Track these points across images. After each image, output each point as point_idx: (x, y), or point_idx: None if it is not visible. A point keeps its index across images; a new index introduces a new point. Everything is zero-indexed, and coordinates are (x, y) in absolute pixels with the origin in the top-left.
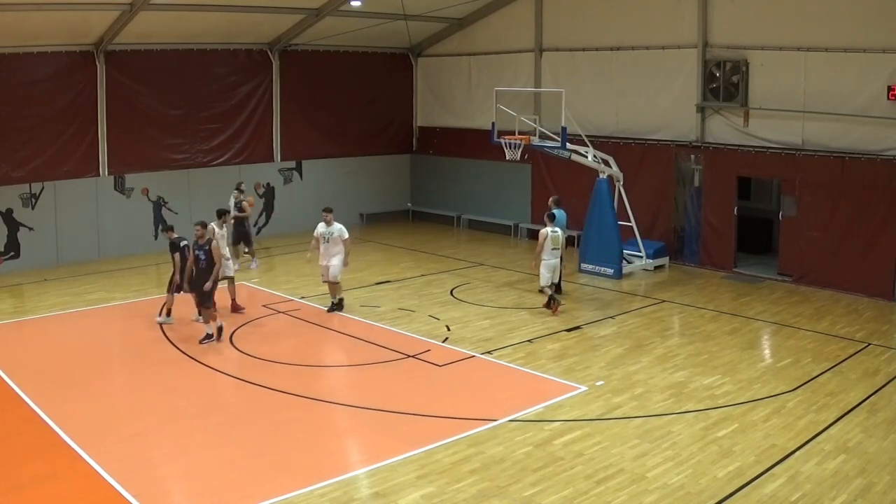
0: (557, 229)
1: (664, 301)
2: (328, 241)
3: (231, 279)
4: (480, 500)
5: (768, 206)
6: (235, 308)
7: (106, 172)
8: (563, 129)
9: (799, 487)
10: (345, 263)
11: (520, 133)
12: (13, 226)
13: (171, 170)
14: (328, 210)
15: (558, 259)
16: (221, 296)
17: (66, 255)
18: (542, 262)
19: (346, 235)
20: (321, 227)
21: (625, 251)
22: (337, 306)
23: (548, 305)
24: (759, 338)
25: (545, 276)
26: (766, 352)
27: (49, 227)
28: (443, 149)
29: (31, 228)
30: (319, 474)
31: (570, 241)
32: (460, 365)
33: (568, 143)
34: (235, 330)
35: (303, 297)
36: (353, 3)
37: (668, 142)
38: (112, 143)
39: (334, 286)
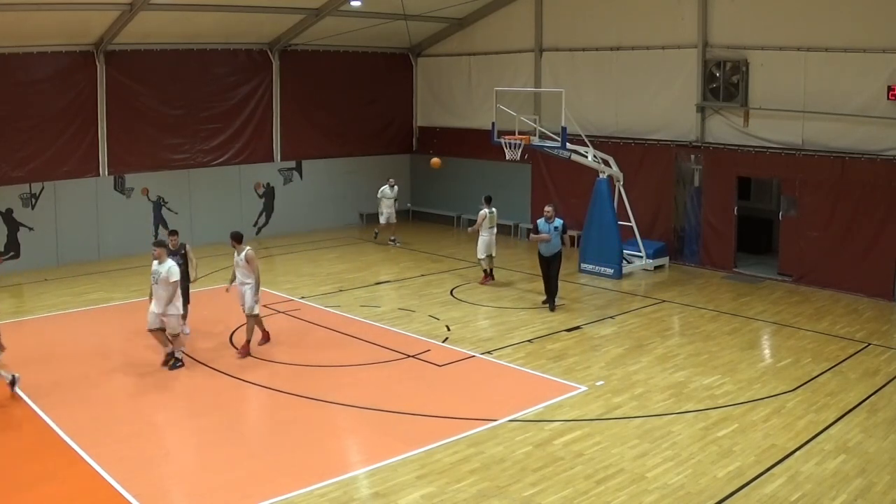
0: (493, 209)
1: (664, 301)
2: (157, 283)
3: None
4: (480, 500)
5: (768, 206)
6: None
7: (106, 172)
8: (563, 129)
9: (799, 487)
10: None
11: (520, 133)
12: (13, 226)
13: (171, 170)
14: (173, 233)
15: (493, 235)
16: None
17: (65, 255)
18: (480, 237)
19: (176, 277)
20: (154, 265)
21: (625, 251)
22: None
23: (486, 278)
24: (759, 338)
25: (481, 249)
26: (766, 352)
27: (49, 227)
28: (443, 149)
29: (31, 228)
30: (319, 474)
31: (570, 242)
32: (460, 365)
33: (568, 143)
34: (235, 330)
35: (303, 297)
36: (353, 3)
37: (668, 142)
38: (112, 143)
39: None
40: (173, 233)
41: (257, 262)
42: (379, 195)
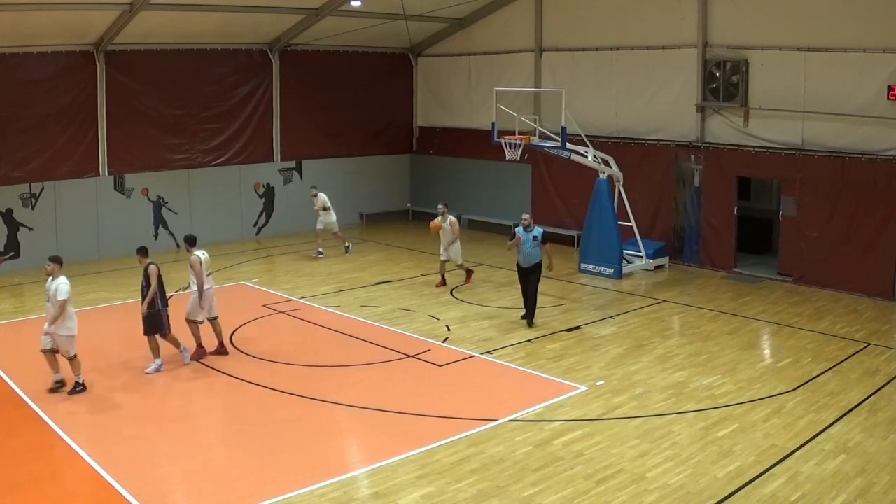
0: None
1: (664, 301)
2: (48, 300)
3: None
4: (480, 500)
5: (768, 206)
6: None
7: (106, 172)
8: (563, 128)
9: (799, 487)
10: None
11: (520, 133)
12: (13, 226)
13: (171, 170)
14: (54, 261)
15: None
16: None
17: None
18: (456, 243)
19: (64, 296)
20: (48, 281)
21: (625, 251)
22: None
23: (469, 276)
24: (758, 338)
25: (460, 254)
26: (766, 352)
27: (49, 227)
28: (443, 149)
29: (31, 228)
30: (319, 474)
31: (570, 242)
32: (460, 365)
33: (568, 143)
34: (235, 330)
35: (303, 297)
36: (353, 3)
37: (668, 142)
38: (112, 143)
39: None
40: (54, 259)
41: (200, 268)
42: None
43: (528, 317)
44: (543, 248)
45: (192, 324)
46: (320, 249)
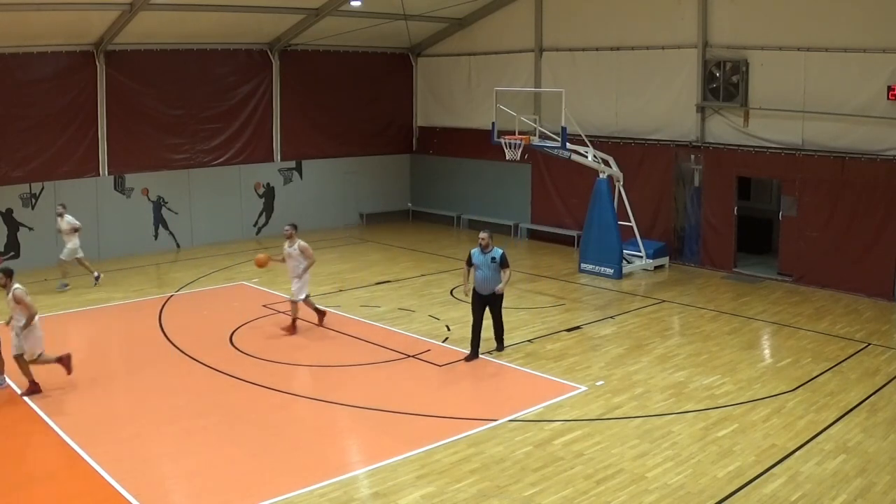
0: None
1: (664, 301)
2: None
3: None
4: (480, 500)
5: (768, 206)
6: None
7: (106, 172)
8: (563, 128)
9: (799, 487)
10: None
11: (520, 133)
12: (13, 226)
13: (171, 170)
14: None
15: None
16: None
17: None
18: (305, 276)
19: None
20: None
21: (625, 251)
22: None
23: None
24: (758, 338)
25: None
26: (766, 352)
27: (49, 227)
28: (443, 149)
29: (31, 228)
30: (319, 474)
31: (570, 242)
32: (460, 365)
33: (568, 143)
34: (235, 330)
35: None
36: (353, 3)
37: (668, 142)
38: (112, 143)
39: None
40: (4, 271)
41: (30, 300)
42: None
43: (498, 345)
44: (503, 273)
45: (22, 361)
46: (65, 282)
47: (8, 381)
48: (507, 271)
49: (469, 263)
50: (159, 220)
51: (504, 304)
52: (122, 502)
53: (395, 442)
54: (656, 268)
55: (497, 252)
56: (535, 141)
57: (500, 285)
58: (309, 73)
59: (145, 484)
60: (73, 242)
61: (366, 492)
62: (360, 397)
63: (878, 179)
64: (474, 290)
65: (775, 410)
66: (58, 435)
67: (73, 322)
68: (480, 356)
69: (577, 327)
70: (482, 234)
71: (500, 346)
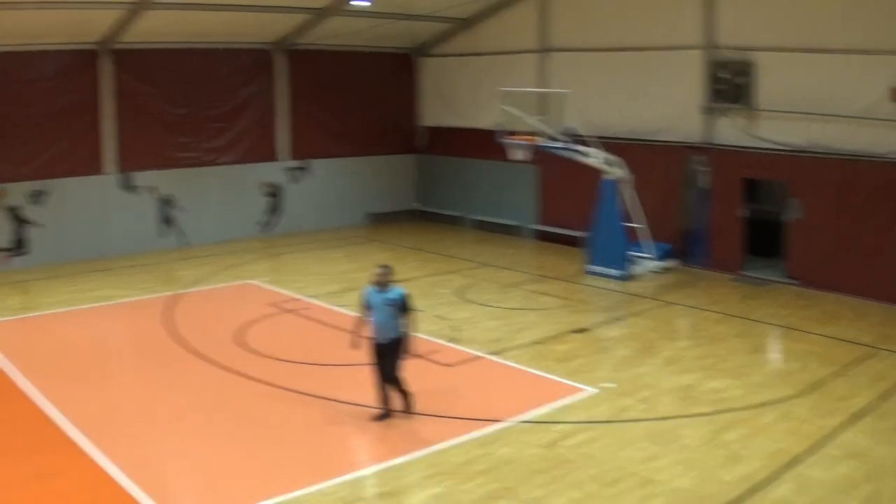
0: None
1: (671, 303)
2: None
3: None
4: (489, 501)
5: (776, 209)
6: None
7: (112, 170)
8: (569, 129)
9: (807, 492)
10: None
11: (525, 133)
12: (20, 222)
13: (178, 168)
14: None
15: None
16: None
17: (72, 251)
18: None
19: None
20: None
21: (632, 253)
22: None
23: None
24: (766, 341)
25: None
26: (774, 355)
27: (56, 224)
28: (448, 149)
29: (38, 225)
30: (327, 473)
31: (575, 243)
32: (468, 365)
33: (574, 144)
34: (243, 328)
35: (311, 296)
36: (360, 3)
37: (674, 143)
38: (118, 141)
39: None
40: None
41: None
42: None
43: (406, 404)
44: (404, 318)
45: None
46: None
47: None
48: (410, 316)
49: (365, 306)
50: (166, 218)
51: (509, 305)
52: (126, 499)
53: (403, 442)
54: (664, 269)
55: (396, 292)
56: (541, 141)
57: (406, 344)
58: (314, 72)
59: (150, 481)
60: None
61: (374, 491)
62: (368, 396)
63: (886, 182)
64: (372, 337)
65: (783, 414)
66: (63, 431)
67: (80, 319)
68: (488, 357)
69: (585, 329)
70: (378, 269)
71: (409, 405)
